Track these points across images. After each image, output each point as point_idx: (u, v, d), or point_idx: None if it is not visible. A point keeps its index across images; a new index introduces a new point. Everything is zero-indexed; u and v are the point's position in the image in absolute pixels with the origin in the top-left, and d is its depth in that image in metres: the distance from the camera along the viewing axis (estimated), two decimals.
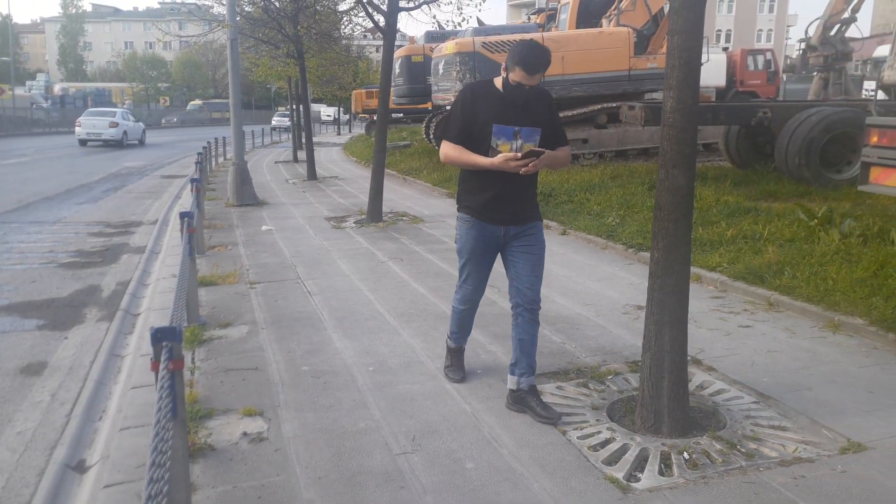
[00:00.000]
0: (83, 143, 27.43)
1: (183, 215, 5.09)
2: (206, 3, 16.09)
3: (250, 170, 12.52)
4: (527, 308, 3.53)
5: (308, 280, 6.28)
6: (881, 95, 8.53)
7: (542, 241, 3.63)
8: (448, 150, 3.45)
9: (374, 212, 9.47)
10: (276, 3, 14.33)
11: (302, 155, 17.97)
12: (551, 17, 16.51)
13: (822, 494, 2.78)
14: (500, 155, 3.28)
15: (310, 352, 4.43)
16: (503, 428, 3.37)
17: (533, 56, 3.23)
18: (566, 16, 14.48)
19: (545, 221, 8.72)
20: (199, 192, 7.30)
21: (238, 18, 12.52)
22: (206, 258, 7.22)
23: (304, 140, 16.64)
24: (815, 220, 6.59)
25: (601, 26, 13.56)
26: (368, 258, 7.19)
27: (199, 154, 11.38)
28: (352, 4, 13.86)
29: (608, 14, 13.65)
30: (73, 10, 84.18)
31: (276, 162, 21.03)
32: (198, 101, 67.23)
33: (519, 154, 3.24)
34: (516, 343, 3.57)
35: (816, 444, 3.18)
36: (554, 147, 3.45)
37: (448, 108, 16.26)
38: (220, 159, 20.22)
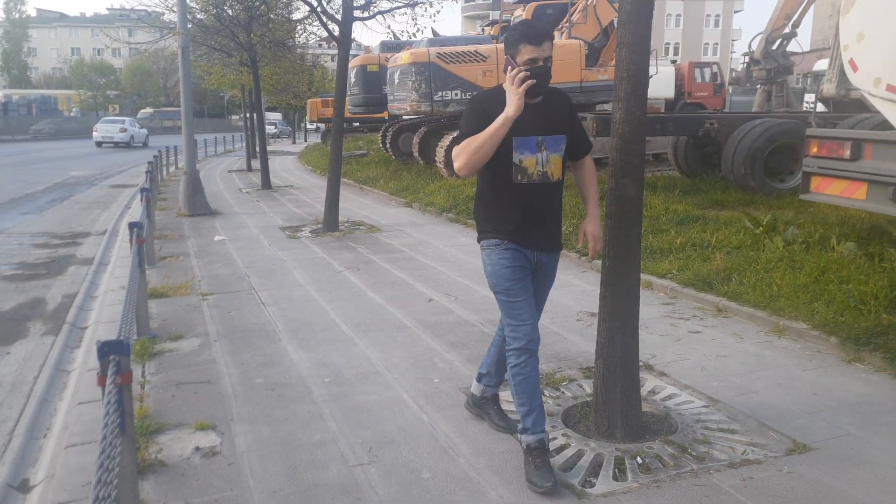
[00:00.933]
0: (98, 144, 34.36)
1: (132, 226, 4.97)
2: (157, 9, 15.81)
3: (203, 179, 12.31)
4: None
5: (262, 291, 6.20)
6: (820, 107, 8.87)
7: (555, 275, 3.27)
8: (457, 152, 2.85)
9: (330, 221, 9.40)
10: (229, 12, 14.16)
11: (256, 164, 17.74)
12: (505, 28, 16.70)
13: (770, 495, 2.86)
14: (508, 87, 2.79)
15: (264, 364, 4.37)
16: (460, 436, 3.38)
17: (531, 26, 2.88)
18: None
19: None
20: (149, 202, 7.14)
21: (190, 26, 12.32)
22: (157, 269, 7.06)
23: (257, 149, 16.44)
24: (761, 228, 6.81)
25: (553, 38, 13.79)
26: (324, 268, 7.14)
27: (149, 163, 11.14)
28: (306, 13, 13.76)
29: (560, 27, 13.89)
30: (17, 15, 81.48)
31: (229, 171, 20.71)
32: (149, 110, 65.73)
33: (521, 87, 2.75)
34: (495, 359, 3.41)
35: (764, 445, 3.28)
36: (577, 156, 3.16)
37: (406, 117, 16.33)
38: (172, 168, 19.82)
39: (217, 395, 3.88)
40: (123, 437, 2.20)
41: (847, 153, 5.67)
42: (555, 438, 3.34)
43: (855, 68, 5.83)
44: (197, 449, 3.25)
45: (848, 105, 8.44)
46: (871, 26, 5.62)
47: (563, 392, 3.91)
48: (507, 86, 2.78)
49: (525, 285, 3.01)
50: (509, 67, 2.83)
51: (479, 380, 3.52)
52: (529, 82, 2.75)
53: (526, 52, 2.82)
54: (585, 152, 3.19)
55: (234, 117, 62.79)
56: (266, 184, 15.25)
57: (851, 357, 4.33)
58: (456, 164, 2.86)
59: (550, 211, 3.07)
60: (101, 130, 35.00)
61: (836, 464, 3.10)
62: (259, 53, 15.17)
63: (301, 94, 28.24)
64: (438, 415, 3.62)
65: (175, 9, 11.44)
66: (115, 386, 2.14)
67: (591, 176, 3.23)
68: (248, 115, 23.53)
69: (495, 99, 2.87)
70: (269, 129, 47.83)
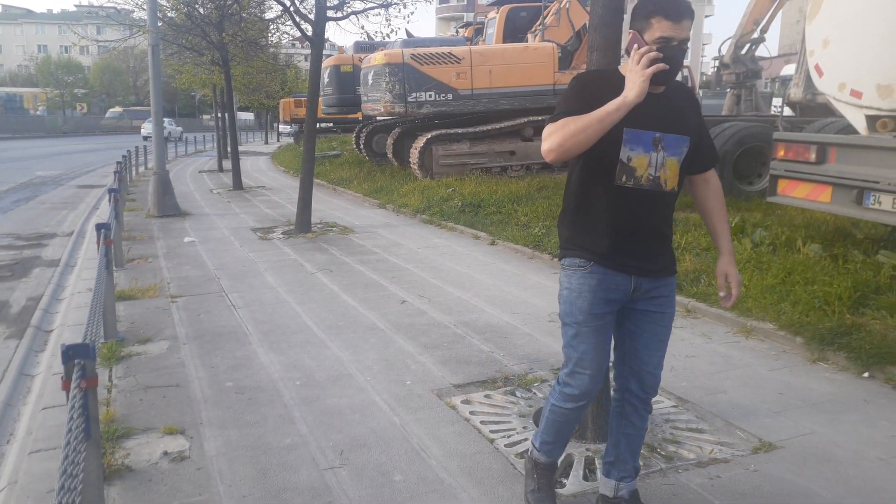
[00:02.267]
0: (145, 139, 36.76)
1: (99, 227, 4.89)
2: (127, 7, 15.54)
3: (172, 179, 12.15)
4: (643, 399, 2.62)
5: (232, 293, 6.13)
6: (787, 111, 9.04)
7: (674, 307, 2.59)
8: (550, 131, 2.28)
9: (303, 222, 9.34)
10: (201, 10, 13.99)
11: (228, 164, 17.55)
12: (479, 31, 16.75)
13: (737, 494, 2.90)
14: (633, 67, 2.22)
15: (234, 367, 4.32)
16: (432, 439, 3.38)
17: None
18: (493, 30, 14.73)
19: (475, 232, 8.89)
20: (117, 203, 7.03)
21: (160, 24, 12.16)
22: (125, 271, 6.95)
23: (229, 149, 16.28)
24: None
25: (527, 41, 13.86)
26: (296, 270, 7.09)
27: (118, 163, 10.96)
28: (279, 13, 13.68)
29: (533, 29, 13.97)
30: None
31: (199, 171, 20.46)
32: (118, 109, 64.66)
33: (649, 68, 2.20)
34: (619, 438, 2.68)
35: (731, 444, 3.33)
36: (698, 168, 2.54)
37: (380, 118, 16.30)
38: (141, 168, 19.53)
39: (186, 399, 3.83)
40: (88, 442, 2.16)
41: (812, 157, 5.79)
42: (526, 439, 3.36)
43: (820, 73, 5.96)
44: (165, 454, 3.20)
45: (814, 109, 8.61)
46: (836, 33, 5.75)
47: (534, 393, 3.93)
48: (631, 65, 2.23)
49: (604, 325, 2.47)
50: (635, 45, 2.27)
51: (607, 474, 2.74)
52: (660, 65, 2.20)
53: (659, 29, 2.25)
54: (711, 165, 2.59)
55: (205, 117, 62.02)
56: (237, 184, 15.10)
57: (816, 357, 4.41)
58: (545, 145, 2.28)
59: (658, 227, 2.47)
60: (146, 127, 40.98)
61: (801, 462, 3.16)
62: (231, 53, 15.01)
63: (274, 94, 28.04)
64: (411, 417, 3.62)
65: (145, 6, 11.27)
66: (80, 390, 2.10)
67: (718, 197, 2.61)
68: (219, 114, 23.29)
69: (606, 82, 2.34)
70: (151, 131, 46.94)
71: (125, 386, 4.01)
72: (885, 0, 5.25)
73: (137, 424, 3.50)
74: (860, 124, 5.66)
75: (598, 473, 2.88)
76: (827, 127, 7.25)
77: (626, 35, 2.39)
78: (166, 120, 43.48)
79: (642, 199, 2.38)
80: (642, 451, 3.21)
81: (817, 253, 5.86)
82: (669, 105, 2.38)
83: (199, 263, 7.39)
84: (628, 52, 2.30)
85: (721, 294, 2.57)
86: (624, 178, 2.35)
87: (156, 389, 3.96)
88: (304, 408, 3.72)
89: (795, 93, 8.06)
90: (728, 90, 12.13)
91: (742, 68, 11.34)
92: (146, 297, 5.96)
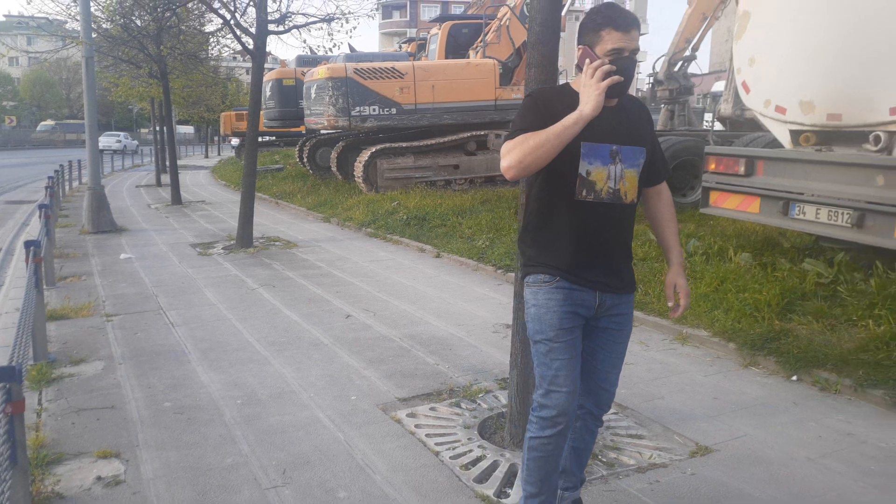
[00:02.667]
0: (101, 151, 35.35)
1: (28, 244, 4.71)
2: (59, 18, 15.05)
3: (109, 195, 11.78)
4: (593, 414, 2.60)
5: (171, 311, 5.98)
6: (718, 126, 9.40)
7: (632, 324, 2.59)
8: (509, 148, 2.26)
9: (244, 237, 9.19)
10: (138, 22, 13.67)
11: (167, 179, 17.14)
12: (421, 46, 16.89)
13: (675, 497, 2.99)
14: (587, 81, 2.23)
15: (172, 386, 4.21)
16: (377, 454, 3.36)
17: (617, 9, 2.32)
18: (435, 46, 14.87)
19: (420, 245, 8.91)
20: (48, 219, 6.78)
21: (95, 35, 11.82)
22: (57, 290, 6.70)
23: (168, 163, 15.90)
24: None
25: (469, 57, 14.03)
26: (237, 285, 6.96)
27: (49, 178, 10.58)
28: (219, 26, 13.47)
29: (475, 46, 14.15)
30: None
31: (137, 186, 19.90)
32: (50, 122, 62.34)
33: (604, 81, 2.21)
34: (567, 451, 2.65)
35: (669, 449, 3.42)
36: (652, 181, 2.55)
37: (324, 132, 16.18)
38: (75, 183, 18.87)
39: (122, 421, 3.71)
40: (15, 469, 2.08)
41: (741, 169, 6.03)
42: (471, 451, 3.38)
43: (747, 90, 6.23)
44: (99, 479, 3.10)
45: (743, 124, 8.98)
46: (761, 51, 6.03)
47: (479, 404, 3.96)
48: (585, 80, 2.23)
49: (573, 340, 2.41)
50: (587, 60, 2.28)
51: None
52: (615, 77, 2.22)
53: (610, 41, 2.26)
54: (662, 178, 2.61)
55: (143, 130, 60.40)
56: (176, 199, 14.76)
57: (748, 361, 4.59)
58: (504, 162, 2.25)
59: (620, 240, 2.47)
60: (103, 141, 39.62)
61: (735, 464, 3.27)
62: (169, 65, 14.72)
63: (214, 108, 27.56)
64: (355, 433, 3.59)
65: (78, 17, 10.95)
66: (5, 415, 2.03)
67: (670, 208, 2.64)
68: (157, 128, 22.74)
69: (560, 98, 2.34)
70: (108, 144, 41.46)
71: (56, 409, 3.86)
72: (806, 21, 5.54)
73: (69, 449, 3.38)
74: (785, 139, 5.94)
75: None
76: (755, 141, 7.57)
77: (575, 51, 2.38)
78: (121, 133, 44.86)
79: (603, 213, 2.36)
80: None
81: (748, 262, 6.10)
82: (624, 117, 2.38)
83: (136, 281, 7.18)
84: (580, 68, 2.30)
85: (670, 304, 2.57)
86: (584, 193, 2.33)
87: (89, 412, 3.83)
88: (245, 426, 3.65)
89: (725, 108, 8.40)
90: (662, 106, 12.52)
91: (675, 85, 11.74)
92: (80, 316, 5.75)
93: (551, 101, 2.35)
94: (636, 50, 2.29)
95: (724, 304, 5.26)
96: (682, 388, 4.20)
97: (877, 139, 5.10)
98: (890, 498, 2.98)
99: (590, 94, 2.20)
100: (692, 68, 11.93)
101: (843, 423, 3.71)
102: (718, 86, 15.04)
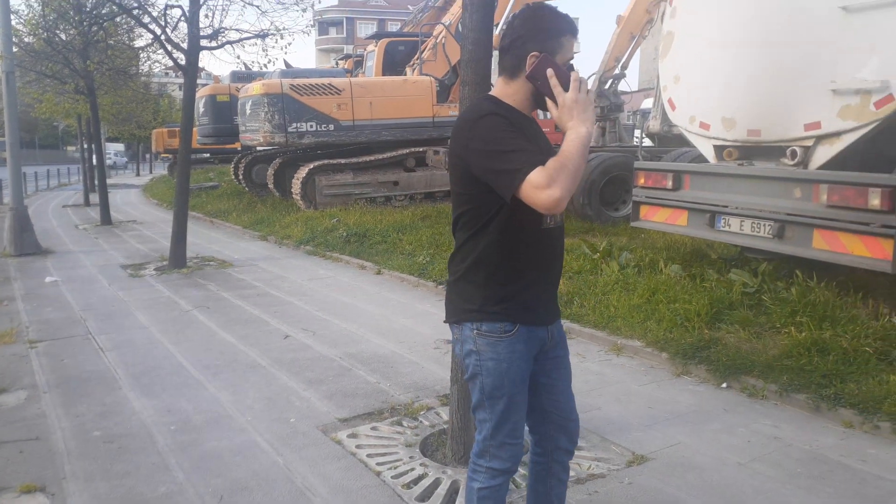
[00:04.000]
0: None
1: None
2: None
3: (33, 215, 11.29)
4: (568, 451, 2.43)
5: (100, 335, 5.76)
6: (647, 142, 9.73)
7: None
8: (551, 177, 1.87)
9: (177, 257, 8.94)
10: (63, 36, 13.21)
11: (95, 198, 16.53)
12: (358, 63, 16.90)
13: None
14: (576, 95, 1.99)
15: (102, 414, 4.05)
16: (317, 476, 3.31)
17: (562, 16, 2.10)
18: (372, 63, 14.91)
19: (360, 262, 8.85)
20: None
21: (16, 50, 11.36)
22: None
23: (97, 182, 15.35)
24: (598, 254, 7.32)
25: (406, 75, 14.11)
26: (171, 308, 6.76)
27: None
28: (149, 41, 13.17)
29: (412, 63, 14.25)
30: None
31: (63, 206, 19.13)
32: None
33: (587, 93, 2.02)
34: (550, 499, 2.46)
35: (607, 459, 3.49)
36: None
37: (260, 149, 15.93)
38: None
39: (47, 453, 3.55)
40: None
41: (669, 184, 6.26)
42: (413, 469, 3.37)
43: (673, 107, 6.48)
44: None
45: (671, 140, 9.33)
46: (685, 70, 6.28)
47: (420, 421, 3.95)
48: (572, 94, 1.97)
49: (527, 387, 2.23)
50: (549, 70, 2.00)
51: None
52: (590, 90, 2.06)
53: (569, 49, 2.08)
54: None
55: (70, 148, 58.19)
56: (106, 219, 14.25)
57: (680, 370, 4.73)
58: (556, 192, 1.85)
59: (559, 266, 2.30)
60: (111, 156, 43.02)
61: (670, 472, 3.36)
62: (97, 81, 14.25)
63: (145, 124, 26.81)
64: (294, 456, 3.53)
65: None
66: None
67: None
68: (85, 146, 21.95)
69: (511, 114, 2.08)
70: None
71: None
72: (724, 41, 5.81)
73: None
74: (709, 154, 6.19)
75: None
76: (682, 156, 7.88)
77: (527, 61, 2.08)
78: (112, 148, 45.22)
79: (556, 238, 2.21)
80: (524, 472, 3.30)
81: (677, 273, 6.31)
82: (541, 133, 2.19)
83: (63, 305, 6.89)
84: (533, 78, 2.03)
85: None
86: (548, 220, 2.14)
87: (11, 444, 3.65)
88: (180, 453, 3.55)
89: (654, 125, 8.70)
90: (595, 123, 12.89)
91: (606, 102, 12.10)
92: (1, 343, 5.48)
93: (509, 117, 2.07)
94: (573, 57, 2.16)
95: (656, 314, 5.42)
96: (619, 399, 4.29)
97: (793, 154, 5.38)
98: (816, 499, 3.12)
99: (587, 108, 1.98)
100: (622, 86, 12.34)
101: (771, 427, 3.87)
102: (647, 103, 15.58)
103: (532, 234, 2.12)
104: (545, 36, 2.06)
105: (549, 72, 1.99)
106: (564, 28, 2.07)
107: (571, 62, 2.10)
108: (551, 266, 2.22)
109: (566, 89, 1.98)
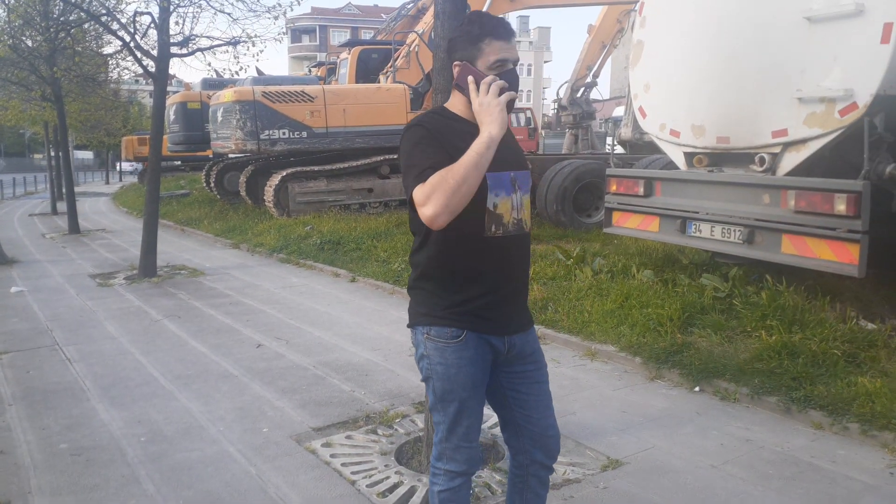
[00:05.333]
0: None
1: None
2: None
3: None
4: (545, 466, 2.36)
5: (68, 346, 5.64)
6: (619, 149, 9.84)
7: (544, 355, 2.38)
8: (427, 192, 1.92)
9: (148, 266, 8.80)
10: (29, 42, 12.96)
11: (63, 206, 16.22)
12: (332, 70, 16.82)
13: None
14: (485, 99, 2.01)
15: (69, 427, 3.96)
16: (290, 486, 3.27)
17: (492, 19, 2.12)
18: (346, 70, 14.85)
19: (334, 269, 8.79)
20: None
21: None
22: None
23: (64, 190, 15.06)
24: (572, 260, 7.36)
25: (379, 82, 14.10)
26: (140, 317, 6.65)
27: None
28: (118, 48, 12.96)
29: (385, 71, 14.24)
30: None
31: (30, 214, 18.74)
32: None
33: (502, 97, 2.02)
34: None
35: (582, 464, 3.50)
36: None
37: (232, 156, 15.78)
38: None
39: (12, 467, 3.46)
40: None
41: (641, 190, 6.33)
42: (388, 477, 3.35)
43: (644, 115, 6.56)
44: None
45: (642, 147, 9.45)
46: (655, 78, 6.37)
47: (396, 429, 3.93)
48: (481, 98, 2.00)
49: (482, 393, 2.23)
50: (469, 77, 2.05)
51: None
52: (511, 93, 2.03)
53: (492, 52, 2.06)
54: None
55: (37, 156, 57.11)
56: (74, 228, 13.98)
57: (654, 375, 4.77)
58: (429, 210, 1.91)
59: (524, 275, 2.27)
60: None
61: (645, 476, 3.38)
62: (65, 88, 14.00)
63: (115, 132, 26.44)
64: (268, 466, 3.49)
65: None
66: None
67: None
68: (52, 153, 21.55)
69: (446, 123, 2.10)
70: None
71: None
72: (692, 50, 5.90)
73: None
74: (680, 160, 6.28)
75: None
76: (653, 163, 7.97)
77: (452, 70, 2.14)
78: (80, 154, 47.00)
79: (510, 247, 2.15)
80: (500, 479, 3.30)
81: (650, 278, 6.37)
82: (507, 138, 2.12)
83: (29, 315, 6.74)
84: (458, 87, 2.10)
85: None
86: (493, 228, 2.10)
87: None
88: (150, 465, 3.48)
89: (625, 132, 8.81)
90: (567, 130, 13.01)
91: (578, 110, 12.24)
92: None
93: (440, 128, 2.07)
94: (518, 60, 2.14)
95: (629, 319, 5.47)
96: (593, 403, 4.31)
97: (762, 160, 5.47)
98: (787, 499, 3.16)
99: (492, 112, 1.97)
100: (594, 94, 12.50)
101: (743, 430, 3.91)
102: (619, 111, 15.78)
103: (474, 243, 2.10)
104: (459, 47, 2.11)
105: (469, 78, 2.05)
106: (481, 33, 2.07)
107: (510, 64, 2.09)
108: (508, 275, 2.17)
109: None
